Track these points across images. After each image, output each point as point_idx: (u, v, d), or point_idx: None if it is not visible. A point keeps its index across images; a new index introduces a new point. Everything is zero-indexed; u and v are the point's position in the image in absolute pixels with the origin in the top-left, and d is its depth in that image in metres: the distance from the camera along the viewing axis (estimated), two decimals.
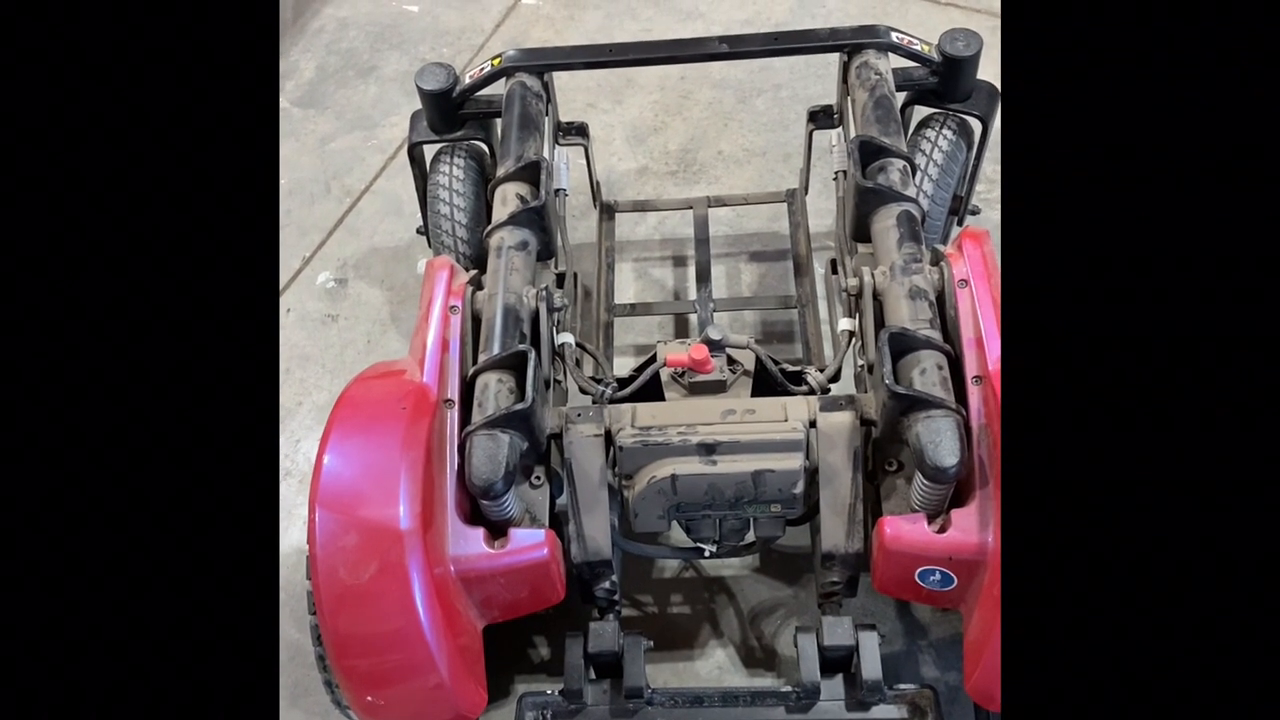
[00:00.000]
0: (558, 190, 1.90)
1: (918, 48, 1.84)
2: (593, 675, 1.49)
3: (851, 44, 1.85)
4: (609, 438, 1.44)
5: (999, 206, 2.22)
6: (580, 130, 2.06)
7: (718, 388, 1.53)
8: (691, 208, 2.18)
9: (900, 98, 1.82)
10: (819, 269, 2.08)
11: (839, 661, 1.46)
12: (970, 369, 1.41)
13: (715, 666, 1.69)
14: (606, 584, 1.50)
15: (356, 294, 2.30)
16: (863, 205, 1.61)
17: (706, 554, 1.55)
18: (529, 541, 1.38)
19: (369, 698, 1.35)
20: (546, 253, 1.70)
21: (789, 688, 1.47)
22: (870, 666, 1.42)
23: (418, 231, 2.10)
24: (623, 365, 1.70)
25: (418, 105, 1.94)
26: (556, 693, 1.46)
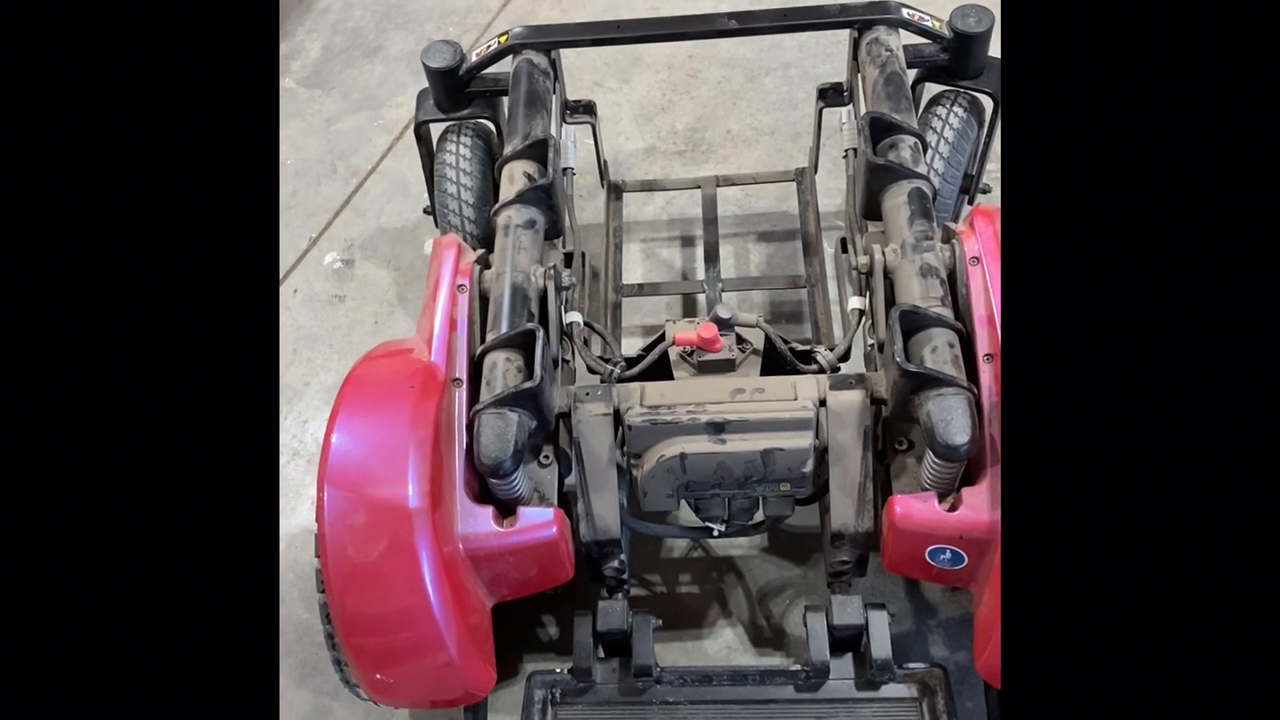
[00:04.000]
0: (565, 169, 1.89)
1: (929, 24, 1.83)
2: (601, 654, 1.49)
3: (862, 20, 1.83)
4: (618, 416, 1.44)
5: None
6: (588, 108, 2.05)
7: (727, 366, 1.53)
8: (700, 187, 2.17)
9: (911, 75, 1.80)
10: (828, 249, 2.07)
11: (848, 640, 1.46)
12: (982, 347, 1.39)
13: (724, 646, 1.69)
14: (615, 563, 1.50)
15: (363, 274, 2.29)
16: (873, 182, 1.60)
17: (715, 534, 1.54)
18: (537, 520, 1.38)
19: (378, 675, 1.36)
20: (554, 231, 1.69)
21: (798, 666, 1.47)
22: (880, 645, 1.42)
23: (425, 211, 2.09)
24: (631, 346, 1.70)
25: (424, 85, 1.93)
26: (565, 671, 1.47)
